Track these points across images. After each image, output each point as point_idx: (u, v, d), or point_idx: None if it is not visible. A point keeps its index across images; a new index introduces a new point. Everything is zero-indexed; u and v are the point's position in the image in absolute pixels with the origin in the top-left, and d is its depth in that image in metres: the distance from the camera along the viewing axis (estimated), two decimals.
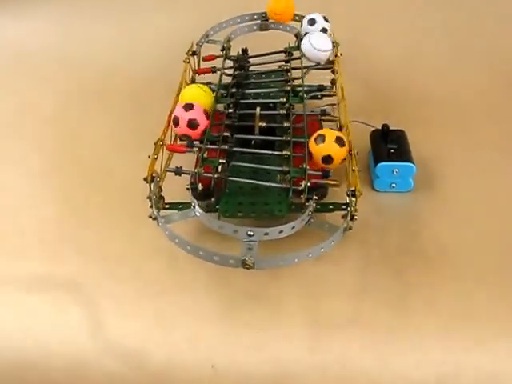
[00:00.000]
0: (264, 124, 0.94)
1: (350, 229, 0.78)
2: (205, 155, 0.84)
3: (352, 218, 0.79)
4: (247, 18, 1.26)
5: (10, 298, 0.83)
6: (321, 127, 0.98)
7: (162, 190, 0.84)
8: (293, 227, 0.72)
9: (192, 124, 0.87)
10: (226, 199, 0.84)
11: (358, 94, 1.22)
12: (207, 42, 1.22)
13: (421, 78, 1.30)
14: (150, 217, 0.75)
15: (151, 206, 0.78)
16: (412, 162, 0.95)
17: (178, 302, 0.79)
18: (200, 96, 0.94)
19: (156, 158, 0.82)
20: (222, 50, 1.18)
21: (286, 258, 0.68)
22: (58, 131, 1.20)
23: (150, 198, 0.77)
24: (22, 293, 0.83)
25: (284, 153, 0.87)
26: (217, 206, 0.84)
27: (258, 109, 0.94)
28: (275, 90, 1.05)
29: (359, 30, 1.41)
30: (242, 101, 1.00)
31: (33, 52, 1.46)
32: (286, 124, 0.93)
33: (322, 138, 0.82)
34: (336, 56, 1.07)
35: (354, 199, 0.78)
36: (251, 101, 1.00)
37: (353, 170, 0.83)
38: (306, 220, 0.75)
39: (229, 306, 0.79)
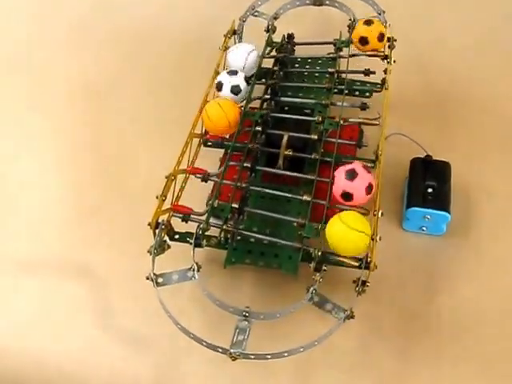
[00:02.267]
0: (290, 153, 0.87)
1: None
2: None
3: (364, 284, 0.74)
4: None
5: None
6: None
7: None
8: (291, 311, 0.69)
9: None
10: (236, 245, 0.81)
11: (409, 95, 1.12)
12: (253, 14, 1.10)
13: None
14: (147, 278, 0.73)
15: (153, 254, 0.75)
16: (447, 210, 0.86)
17: None
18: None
19: (164, 200, 0.78)
20: (267, 31, 1.06)
21: (276, 353, 0.66)
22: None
23: (150, 251, 0.75)
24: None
25: (304, 198, 0.81)
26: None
27: (286, 137, 0.87)
28: (312, 101, 0.95)
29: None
30: (273, 114, 0.91)
31: None
32: (314, 155, 0.86)
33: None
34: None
35: (367, 271, 0.73)
36: (283, 115, 0.92)
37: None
38: (307, 299, 0.71)
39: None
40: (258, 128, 0.89)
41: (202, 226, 0.76)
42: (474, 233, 0.90)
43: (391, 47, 0.98)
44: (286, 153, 0.86)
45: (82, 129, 1.12)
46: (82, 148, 1.08)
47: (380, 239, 0.75)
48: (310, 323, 0.76)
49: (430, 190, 0.88)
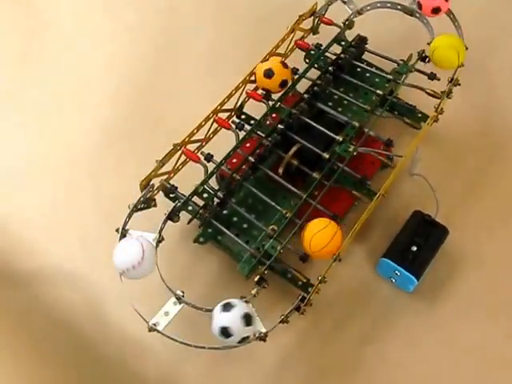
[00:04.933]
0: (295, 163, 0.89)
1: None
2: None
3: (303, 301, 0.78)
4: None
5: None
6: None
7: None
8: None
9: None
10: (211, 228, 0.87)
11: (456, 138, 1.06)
12: (343, 0, 1.07)
13: None
14: (117, 230, 0.80)
15: (131, 210, 0.82)
16: (418, 275, 0.86)
17: None
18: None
19: (162, 166, 0.84)
20: (343, 24, 1.03)
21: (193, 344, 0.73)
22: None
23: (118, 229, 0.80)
24: None
25: (285, 211, 0.84)
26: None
27: (295, 147, 0.89)
28: (344, 119, 0.94)
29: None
30: (302, 117, 0.92)
31: None
32: (315, 175, 0.87)
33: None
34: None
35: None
36: (309, 122, 0.93)
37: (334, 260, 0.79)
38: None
39: None
40: (280, 126, 0.91)
41: (177, 204, 0.82)
42: (439, 306, 0.90)
43: (449, 93, 0.94)
44: (292, 161, 0.89)
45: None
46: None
47: (340, 260, 0.79)
48: None
49: (413, 248, 0.88)
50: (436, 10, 1.00)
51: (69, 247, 0.96)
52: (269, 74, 0.93)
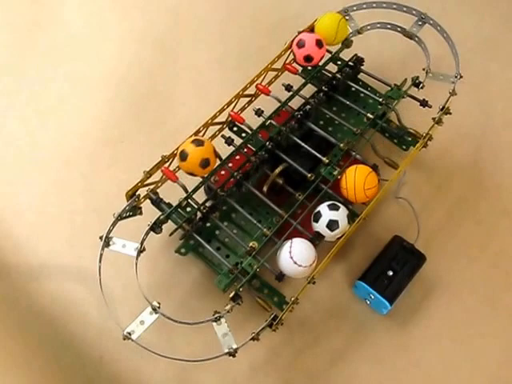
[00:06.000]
0: (280, 182, 0.91)
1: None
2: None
3: (275, 320, 0.80)
4: (405, 8, 1.06)
5: None
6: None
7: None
8: (191, 323, 0.78)
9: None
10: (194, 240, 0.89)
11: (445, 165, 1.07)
12: (344, 17, 1.07)
13: None
14: (100, 238, 0.83)
15: (115, 219, 0.85)
16: (391, 300, 0.88)
17: None
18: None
19: (149, 177, 0.86)
20: (342, 42, 1.04)
21: (158, 353, 0.76)
22: None
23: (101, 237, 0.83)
24: None
25: (265, 229, 0.86)
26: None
27: (280, 167, 0.90)
28: (333, 141, 0.95)
29: None
30: (291, 136, 0.94)
31: None
32: (298, 195, 0.89)
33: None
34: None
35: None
36: (298, 142, 0.94)
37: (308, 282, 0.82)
38: (211, 320, 0.78)
39: None
40: (269, 144, 0.92)
41: (161, 217, 0.84)
42: (410, 330, 0.92)
43: (439, 122, 0.95)
44: (277, 180, 0.91)
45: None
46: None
47: (314, 283, 0.81)
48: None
49: (390, 273, 0.90)
50: (307, 59, 0.97)
51: (56, 244, 0.99)
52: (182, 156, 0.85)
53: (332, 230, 0.84)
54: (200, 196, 0.92)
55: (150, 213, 0.90)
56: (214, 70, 1.18)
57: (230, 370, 0.88)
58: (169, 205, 0.89)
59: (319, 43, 0.98)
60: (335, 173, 0.89)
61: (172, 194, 0.90)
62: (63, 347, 0.90)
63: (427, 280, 0.95)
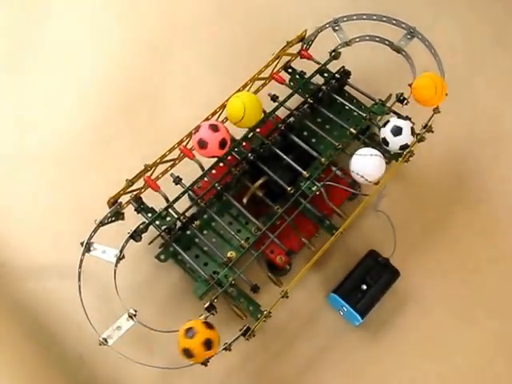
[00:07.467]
0: (260, 194, 0.93)
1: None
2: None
3: (248, 331, 0.82)
4: (394, 21, 1.07)
5: None
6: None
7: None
8: (164, 331, 0.80)
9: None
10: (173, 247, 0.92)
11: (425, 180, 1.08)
12: (334, 28, 1.07)
13: None
14: (81, 243, 0.85)
15: (96, 225, 0.87)
16: (363, 314, 0.91)
17: None
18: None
19: (131, 185, 0.88)
20: (330, 53, 1.05)
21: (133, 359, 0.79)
22: None
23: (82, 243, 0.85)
24: None
25: (242, 242, 0.88)
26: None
27: (261, 180, 0.92)
28: (314, 154, 0.96)
29: None
30: (273, 148, 0.95)
31: None
32: (277, 208, 0.91)
33: (192, 333, 0.75)
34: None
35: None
36: (280, 154, 0.95)
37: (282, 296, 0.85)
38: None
39: None
40: (250, 156, 0.94)
41: (140, 226, 0.87)
42: (380, 342, 0.95)
43: (421, 140, 0.96)
44: (257, 192, 0.93)
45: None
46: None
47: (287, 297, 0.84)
48: None
49: (363, 287, 0.92)
50: (222, 144, 0.86)
51: (41, 243, 1.01)
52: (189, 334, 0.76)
53: (395, 136, 0.90)
54: (184, 202, 0.94)
55: (133, 215, 0.92)
56: (204, 73, 1.18)
57: (205, 376, 0.90)
58: (152, 210, 0.91)
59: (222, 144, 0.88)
60: (314, 188, 0.90)
61: (157, 198, 0.91)
62: (46, 345, 0.93)
63: (401, 294, 0.97)
